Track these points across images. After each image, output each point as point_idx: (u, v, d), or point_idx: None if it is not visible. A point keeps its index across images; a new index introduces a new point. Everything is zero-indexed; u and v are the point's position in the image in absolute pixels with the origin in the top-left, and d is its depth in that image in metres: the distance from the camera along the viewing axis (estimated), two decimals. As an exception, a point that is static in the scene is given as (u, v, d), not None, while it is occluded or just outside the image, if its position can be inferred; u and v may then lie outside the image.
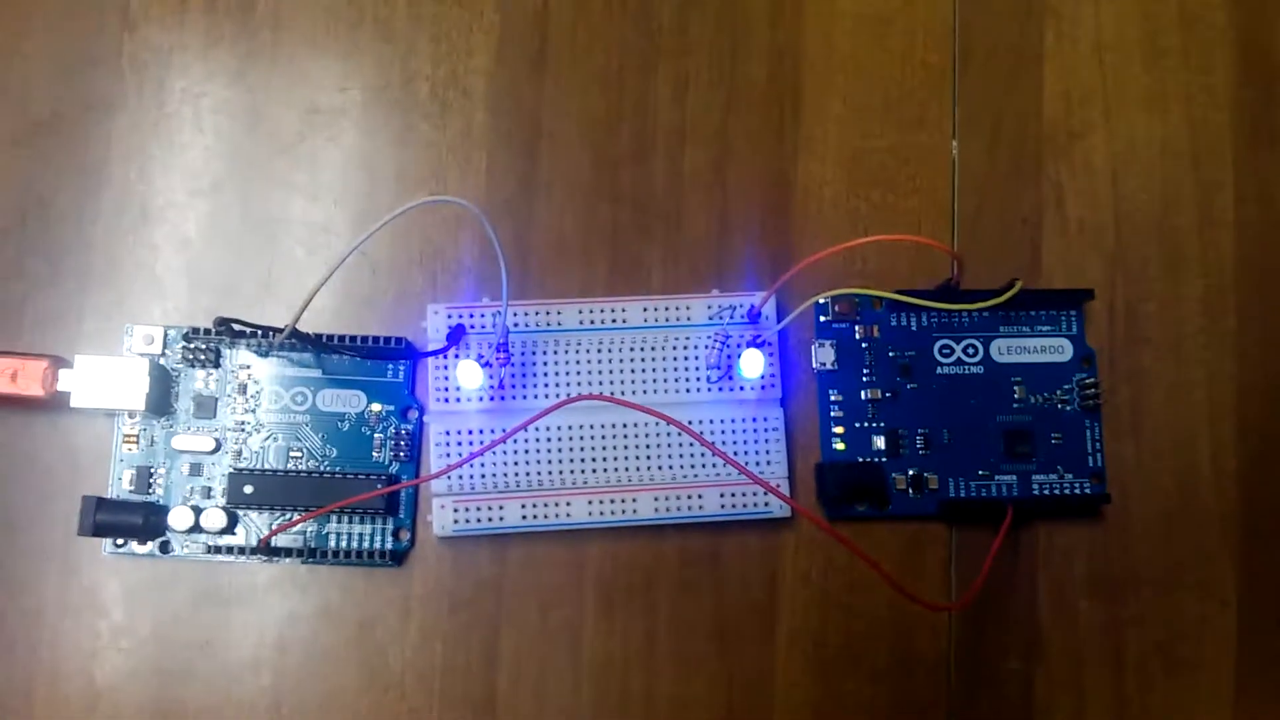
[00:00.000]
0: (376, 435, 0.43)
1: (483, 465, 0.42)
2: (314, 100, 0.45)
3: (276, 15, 0.46)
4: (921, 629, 0.43)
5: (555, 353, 0.43)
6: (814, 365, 0.44)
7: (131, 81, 0.45)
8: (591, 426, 0.42)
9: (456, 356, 0.42)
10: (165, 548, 0.42)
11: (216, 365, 0.43)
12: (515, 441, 0.42)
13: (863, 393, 0.44)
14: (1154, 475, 0.45)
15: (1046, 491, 0.44)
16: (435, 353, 0.42)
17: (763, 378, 0.43)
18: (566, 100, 0.46)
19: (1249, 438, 0.45)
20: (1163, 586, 0.44)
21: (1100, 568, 0.44)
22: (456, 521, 0.41)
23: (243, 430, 0.43)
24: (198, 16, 0.46)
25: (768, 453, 0.43)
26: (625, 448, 0.42)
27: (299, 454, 0.43)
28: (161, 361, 0.43)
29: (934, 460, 0.44)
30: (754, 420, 0.43)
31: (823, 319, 0.44)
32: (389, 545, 0.42)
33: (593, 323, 0.43)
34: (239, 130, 0.45)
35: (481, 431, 0.42)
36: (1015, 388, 0.44)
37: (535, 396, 0.42)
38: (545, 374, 0.43)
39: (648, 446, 0.42)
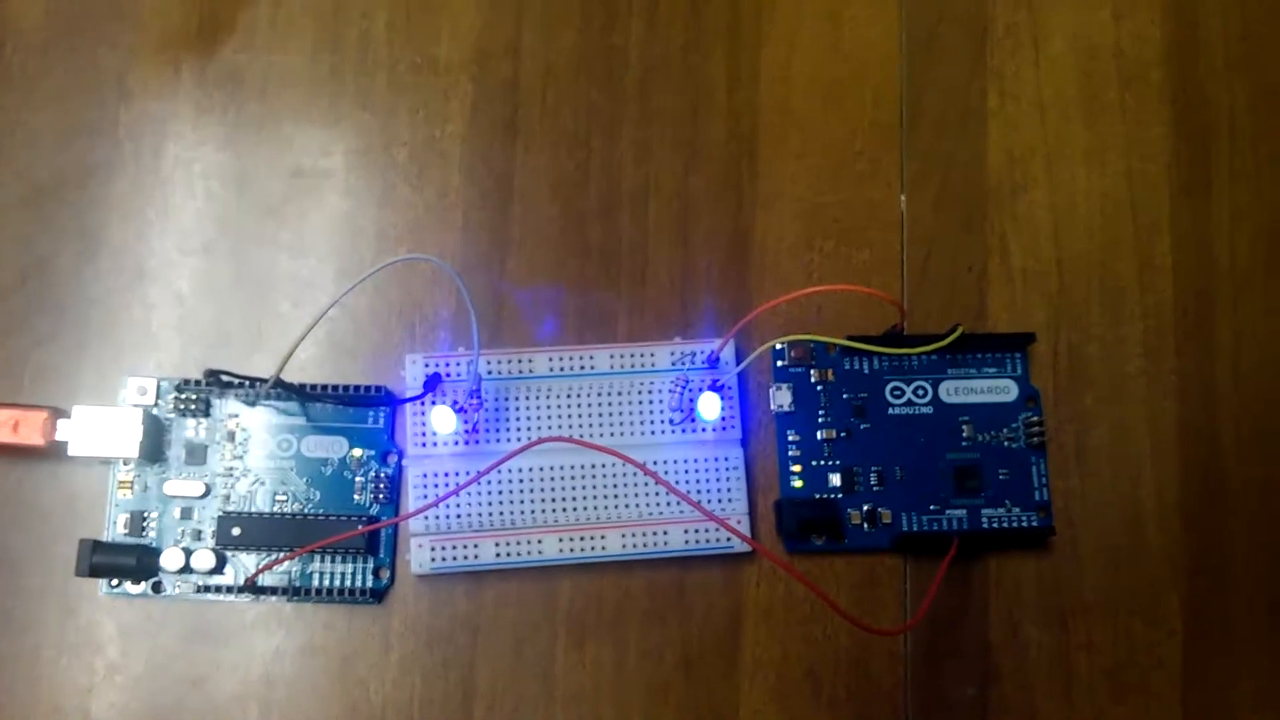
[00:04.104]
0: (358, 479, 0.45)
1: (459, 506, 0.43)
2: (299, 164, 0.48)
3: (264, 86, 0.48)
4: (879, 657, 0.45)
5: (527, 398, 0.45)
6: (772, 407, 0.46)
7: (128, 149, 0.47)
8: (562, 468, 0.44)
9: (433, 403, 0.43)
10: (158, 588, 0.43)
11: (207, 414, 0.45)
12: (489, 483, 0.44)
13: (819, 433, 0.46)
14: (1100, 509, 0.46)
15: (995, 524, 0.45)
16: (412, 399, 0.44)
17: (722, 419, 0.45)
18: (537, 162, 0.48)
19: (1191, 473, 0.47)
20: (1110, 615, 0.45)
21: (1050, 597, 0.45)
22: (434, 560, 0.43)
23: (231, 475, 0.44)
24: (190, 88, 0.48)
25: (729, 490, 0.44)
26: (594, 487, 0.44)
27: (284, 497, 0.44)
28: (155, 411, 0.44)
29: (887, 496, 0.45)
30: (715, 460, 0.45)
31: (780, 363, 0.46)
32: (369, 583, 0.44)
33: (562, 369, 0.45)
34: (229, 193, 0.47)
35: (457, 474, 0.43)
36: (963, 426, 0.46)
37: (508, 440, 0.44)
38: (517, 419, 0.44)
39: (615, 486, 0.44)
